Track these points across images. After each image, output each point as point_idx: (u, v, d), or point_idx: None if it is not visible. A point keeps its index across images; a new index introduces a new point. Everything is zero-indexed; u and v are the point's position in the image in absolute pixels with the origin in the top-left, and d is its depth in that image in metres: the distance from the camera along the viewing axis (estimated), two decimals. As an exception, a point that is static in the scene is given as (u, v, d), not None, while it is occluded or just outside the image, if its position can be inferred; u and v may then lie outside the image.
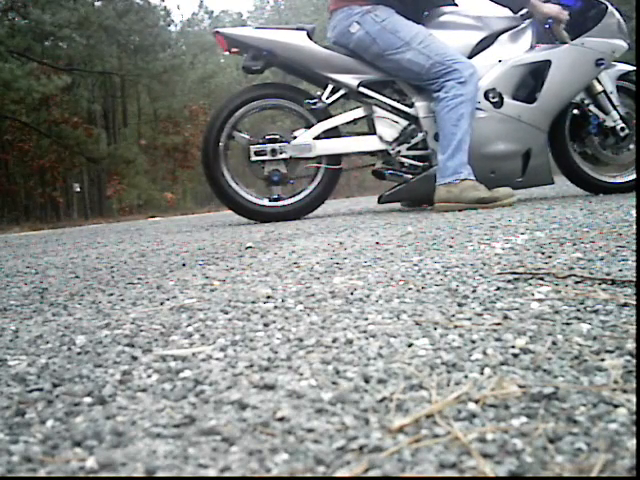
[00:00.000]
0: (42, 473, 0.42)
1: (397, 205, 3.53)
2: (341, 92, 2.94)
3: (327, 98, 2.92)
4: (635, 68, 3.05)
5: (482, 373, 0.55)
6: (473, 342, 0.65)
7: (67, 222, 12.58)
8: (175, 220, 6.14)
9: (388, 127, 2.94)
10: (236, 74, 27.35)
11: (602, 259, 1.07)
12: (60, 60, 19.15)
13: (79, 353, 0.74)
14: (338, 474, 0.39)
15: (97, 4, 19.43)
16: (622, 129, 2.96)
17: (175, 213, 11.77)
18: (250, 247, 1.82)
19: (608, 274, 0.93)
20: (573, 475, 0.37)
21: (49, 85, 16.03)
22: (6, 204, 19.28)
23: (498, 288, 0.91)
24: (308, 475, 0.39)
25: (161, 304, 1.01)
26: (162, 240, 2.51)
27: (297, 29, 2.94)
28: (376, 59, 2.86)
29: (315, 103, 2.92)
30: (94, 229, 5.37)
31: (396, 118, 2.94)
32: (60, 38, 18.45)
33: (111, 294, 1.17)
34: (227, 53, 3.05)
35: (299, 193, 3.03)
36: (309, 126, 2.97)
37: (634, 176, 3.05)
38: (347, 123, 3.00)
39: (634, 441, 0.40)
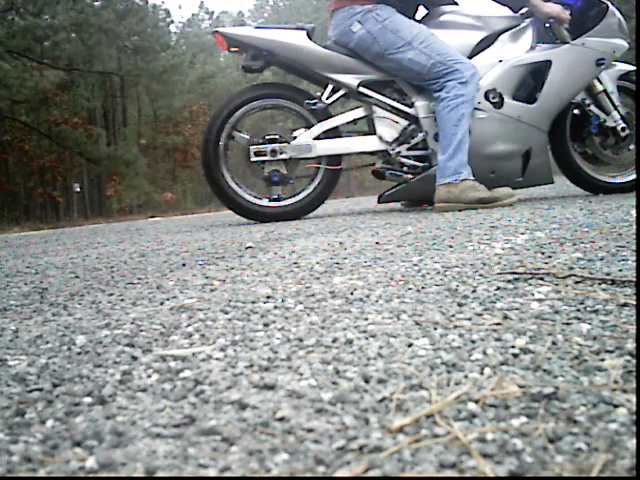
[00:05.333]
0: (42, 473, 0.42)
1: (397, 205, 3.53)
2: (341, 92, 2.94)
3: (327, 98, 2.92)
4: (635, 68, 3.05)
5: (482, 373, 0.55)
6: (473, 342, 0.65)
7: (67, 222, 12.58)
8: (175, 220, 6.14)
9: (388, 127, 2.94)
10: (236, 74, 27.36)
11: (602, 259, 1.07)
12: (60, 60, 19.16)
13: (79, 353, 0.74)
14: (338, 474, 0.39)
15: (96, 4, 19.41)
16: (623, 129, 2.96)
17: (175, 213, 11.78)
18: (250, 247, 1.82)
19: (608, 274, 0.93)
20: (573, 475, 0.37)
21: (43, 81, 15.99)
22: (6, 204, 19.28)
23: (498, 288, 0.91)
24: (308, 475, 0.39)
25: (161, 304, 1.01)
26: (162, 240, 2.51)
27: (297, 29, 2.94)
28: (377, 58, 2.86)
29: (315, 103, 2.92)
30: (94, 229, 5.38)
31: (396, 118, 2.94)
32: (57, 41, 18.47)
33: (111, 294, 1.17)
34: (227, 52, 3.05)
35: (299, 193, 3.03)
36: (309, 126, 2.97)
37: (634, 176, 3.05)
38: (347, 123, 3.00)
39: (634, 441, 0.40)
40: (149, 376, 0.62)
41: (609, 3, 2.92)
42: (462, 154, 2.68)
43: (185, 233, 2.92)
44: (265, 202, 3.00)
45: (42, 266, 1.84)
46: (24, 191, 21.13)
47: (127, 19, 19.56)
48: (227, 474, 0.40)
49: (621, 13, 2.96)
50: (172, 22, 26.23)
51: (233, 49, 2.95)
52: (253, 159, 2.93)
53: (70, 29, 17.50)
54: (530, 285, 0.91)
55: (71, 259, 1.99)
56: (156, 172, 24.03)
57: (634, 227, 1.46)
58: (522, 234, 1.54)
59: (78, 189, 20.23)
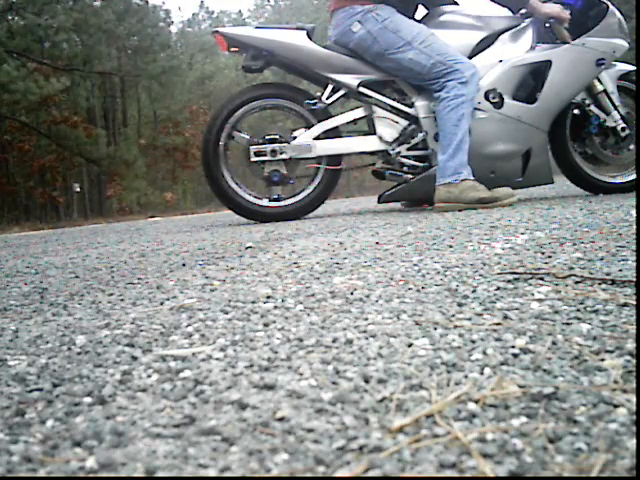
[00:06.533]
0: (42, 473, 0.42)
1: (397, 205, 3.53)
2: (341, 92, 2.94)
3: (327, 98, 2.92)
4: (635, 68, 3.05)
5: (482, 373, 0.55)
6: (473, 342, 0.65)
7: (67, 222, 12.58)
8: (175, 220, 6.14)
9: (388, 127, 2.94)
10: (235, 75, 27.36)
11: (602, 259, 1.07)
12: (60, 60, 19.16)
13: (79, 353, 0.74)
14: (338, 474, 0.39)
15: (96, 4, 19.41)
16: (623, 129, 2.96)
17: (175, 213, 11.77)
18: (250, 247, 1.82)
19: (608, 274, 0.93)
20: (573, 475, 0.37)
21: (47, 87, 16.03)
22: (6, 204, 19.28)
23: (498, 288, 0.91)
24: (308, 475, 0.39)
25: (161, 304, 1.01)
26: (162, 240, 2.51)
27: (297, 29, 2.94)
28: (377, 58, 2.86)
29: (315, 103, 2.92)
30: (94, 229, 5.38)
31: (396, 118, 2.94)
32: (57, 41, 18.47)
33: (111, 294, 1.17)
34: (227, 52, 3.05)
35: (299, 193, 3.03)
36: (309, 126, 2.97)
37: (634, 176, 3.05)
38: (347, 123, 3.00)
39: (634, 441, 0.40)
40: (149, 376, 0.62)
41: (609, 3, 2.92)
42: (462, 154, 2.68)
43: (185, 233, 2.92)
44: (265, 202, 3.00)
45: (42, 266, 1.84)
46: (24, 191, 21.14)
47: (126, 19, 19.56)
48: (227, 474, 0.40)
49: (621, 13, 2.96)
50: (172, 23, 26.25)
51: (233, 49, 2.95)
52: (253, 159, 2.93)
53: (70, 29, 17.50)
54: (530, 285, 0.91)
55: (71, 259, 1.99)
56: (156, 172, 24.03)
57: (634, 227, 1.46)
58: (522, 234, 1.54)
59: (78, 189, 20.23)
